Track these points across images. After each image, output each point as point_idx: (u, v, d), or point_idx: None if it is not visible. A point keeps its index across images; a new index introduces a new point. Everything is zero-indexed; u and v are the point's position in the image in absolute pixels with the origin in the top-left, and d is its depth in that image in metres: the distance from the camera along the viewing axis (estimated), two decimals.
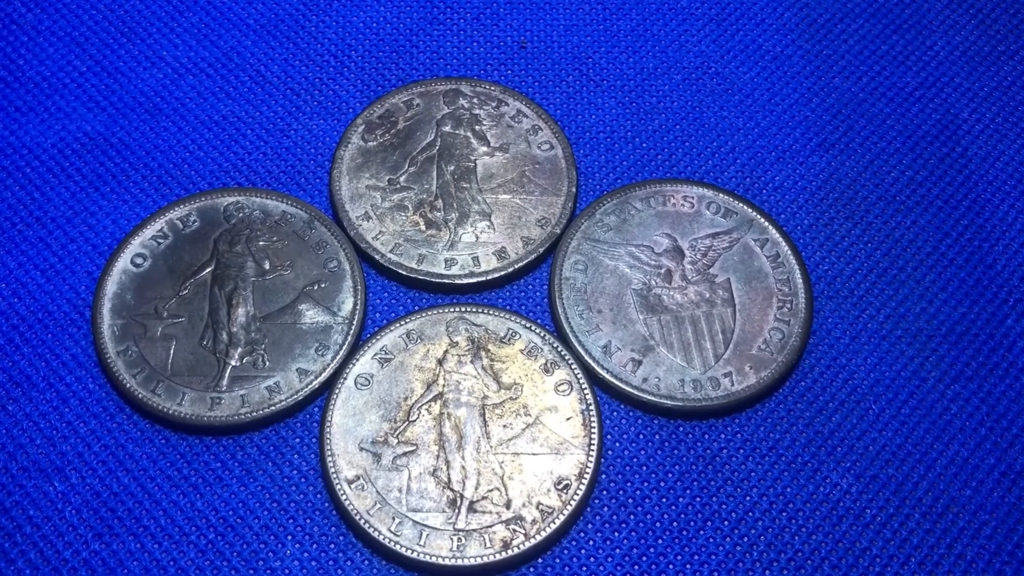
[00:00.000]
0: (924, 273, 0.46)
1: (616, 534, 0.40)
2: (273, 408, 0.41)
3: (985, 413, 0.43)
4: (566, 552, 0.40)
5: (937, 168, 0.48)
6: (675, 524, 0.40)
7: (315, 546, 0.39)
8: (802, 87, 0.50)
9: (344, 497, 0.39)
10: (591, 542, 0.40)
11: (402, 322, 0.43)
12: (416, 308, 0.44)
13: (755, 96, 0.50)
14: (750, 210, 0.46)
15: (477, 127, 0.48)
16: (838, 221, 0.47)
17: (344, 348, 0.42)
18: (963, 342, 0.44)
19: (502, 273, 0.44)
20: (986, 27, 0.52)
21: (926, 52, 0.51)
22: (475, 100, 0.48)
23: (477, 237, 0.45)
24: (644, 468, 0.41)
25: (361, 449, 0.40)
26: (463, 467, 0.40)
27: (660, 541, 0.40)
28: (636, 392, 0.42)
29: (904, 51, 0.51)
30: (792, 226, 0.47)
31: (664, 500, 0.41)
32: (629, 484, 0.41)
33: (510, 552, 0.39)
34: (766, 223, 0.46)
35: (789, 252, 0.45)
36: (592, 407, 0.41)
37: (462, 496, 0.40)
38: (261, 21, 0.51)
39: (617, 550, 0.40)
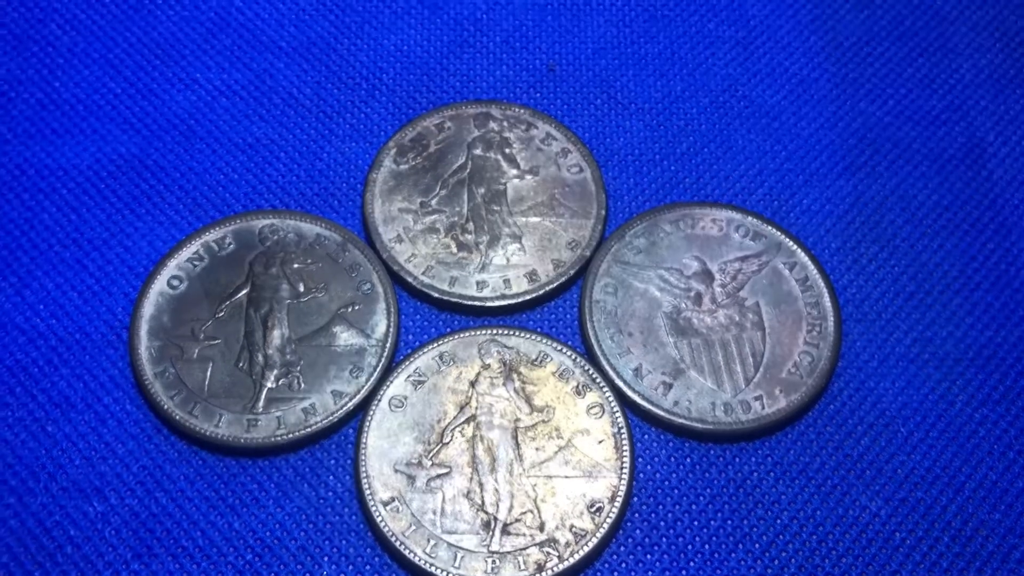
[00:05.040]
0: (951, 297, 0.46)
1: (648, 556, 0.40)
2: (309, 430, 0.42)
3: (1013, 436, 0.43)
4: (599, 574, 0.40)
5: (963, 192, 0.49)
6: (707, 547, 0.41)
7: (351, 567, 0.40)
8: (828, 110, 0.51)
9: (380, 519, 0.40)
10: (624, 564, 0.40)
11: (435, 344, 0.44)
12: (448, 330, 0.45)
13: (782, 119, 0.50)
14: (778, 233, 0.46)
15: (507, 150, 0.48)
16: (865, 244, 0.47)
17: (378, 370, 0.43)
18: (990, 366, 0.45)
19: (533, 295, 0.45)
20: (1012, 50, 0.53)
21: (952, 75, 0.52)
22: (505, 123, 0.49)
23: (508, 260, 0.46)
24: (676, 491, 0.42)
25: (396, 471, 0.41)
26: (496, 489, 0.41)
27: (692, 564, 0.40)
28: (667, 415, 0.42)
29: (930, 75, 0.52)
30: (820, 249, 0.47)
31: (696, 523, 0.41)
32: (661, 507, 0.41)
33: (544, 574, 0.39)
34: (794, 246, 0.46)
35: (817, 275, 0.45)
36: (624, 430, 0.42)
37: (496, 518, 0.40)
38: (293, 44, 0.52)
39: (649, 572, 0.40)
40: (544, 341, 0.44)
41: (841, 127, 0.50)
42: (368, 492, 0.40)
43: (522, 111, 0.49)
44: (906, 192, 0.49)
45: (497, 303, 0.45)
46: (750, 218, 0.47)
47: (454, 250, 0.46)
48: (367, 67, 0.51)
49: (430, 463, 0.41)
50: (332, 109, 0.50)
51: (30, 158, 0.48)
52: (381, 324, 0.44)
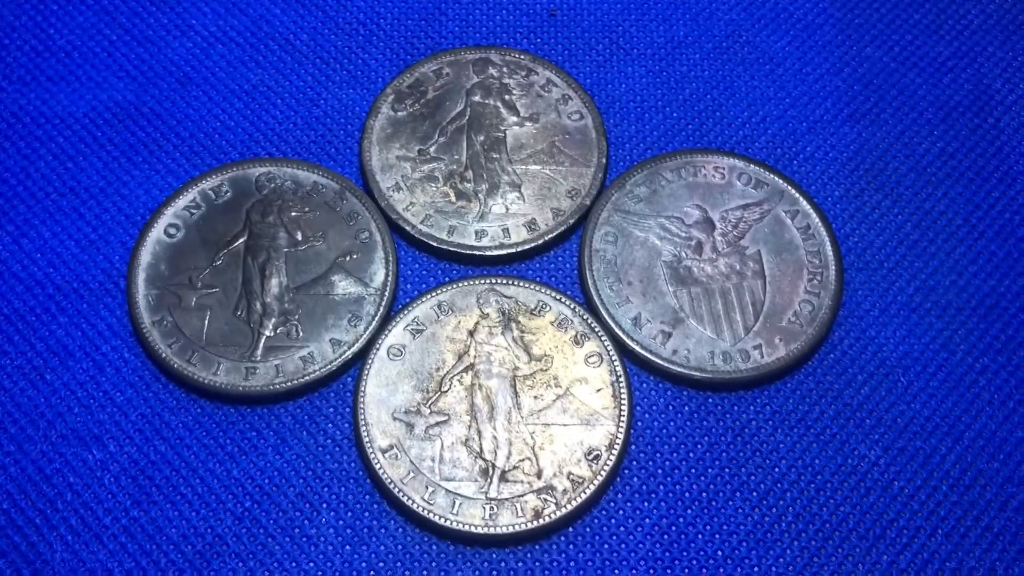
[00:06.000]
0: (954, 245, 0.46)
1: (645, 504, 0.41)
2: (307, 378, 0.42)
3: (1014, 386, 0.43)
4: (596, 521, 0.40)
5: (969, 139, 0.48)
6: (704, 495, 0.41)
7: (350, 514, 0.40)
8: (833, 56, 0.50)
9: (378, 466, 0.40)
10: (621, 512, 0.40)
11: (433, 293, 0.43)
12: (447, 279, 0.44)
13: (786, 65, 0.50)
14: (781, 181, 0.46)
15: (507, 96, 0.48)
16: (868, 192, 0.47)
17: (376, 319, 0.43)
18: (992, 315, 0.44)
19: (532, 245, 0.45)
20: None
21: (959, 21, 0.51)
22: (505, 69, 0.48)
23: (507, 208, 0.45)
24: (673, 439, 0.42)
25: (394, 419, 0.41)
26: (494, 437, 0.41)
27: (689, 511, 0.40)
28: (666, 364, 0.42)
29: (937, 20, 0.51)
30: (823, 197, 0.47)
31: (693, 471, 0.41)
32: (658, 455, 0.41)
33: (541, 521, 0.39)
34: (797, 194, 0.46)
35: (820, 224, 0.45)
36: (622, 379, 0.42)
37: (494, 466, 0.40)
38: None
39: (647, 520, 0.40)
40: (543, 290, 0.43)
41: (846, 73, 0.50)
42: (367, 439, 0.40)
43: (522, 57, 0.49)
44: (911, 140, 0.48)
45: (496, 252, 0.45)
46: (752, 166, 0.46)
47: (453, 199, 0.46)
48: (364, 12, 0.51)
49: (429, 411, 0.41)
50: (329, 55, 0.49)
51: (25, 106, 0.48)
52: (379, 273, 0.44)
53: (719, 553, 0.40)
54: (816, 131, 0.48)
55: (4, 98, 0.48)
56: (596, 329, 0.43)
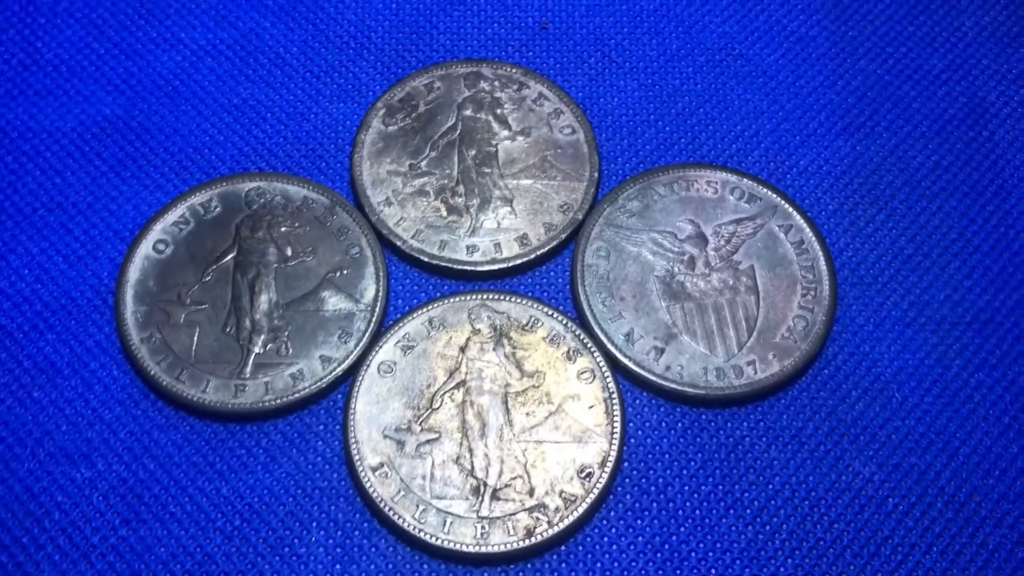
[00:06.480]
0: (949, 260, 0.45)
1: (638, 522, 0.40)
2: (297, 395, 0.41)
3: (1009, 402, 0.43)
4: (589, 540, 0.40)
5: (963, 153, 0.48)
6: (697, 512, 0.40)
7: (340, 533, 0.40)
8: (827, 69, 0.50)
9: (368, 484, 0.40)
10: (613, 530, 0.40)
11: (424, 309, 0.43)
12: (438, 295, 0.44)
13: (779, 78, 0.49)
14: (774, 195, 0.46)
15: (498, 111, 0.47)
16: (863, 206, 0.47)
17: (367, 335, 0.42)
18: (987, 330, 0.44)
19: (524, 260, 0.44)
20: (1015, 7, 0.52)
21: (954, 33, 0.51)
22: (496, 83, 0.48)
23: (499, 223, 0.45)
24: (666, 456, 0.41)
25: (385, 436, 0.41)
26: (486, 455, 0.40)
27: (682, 529, 0.40)
28: (659, 380, 0.42)
29: (931, 32, 0.51)
30: (816, 211, 0.46)
31: (686, 488, 0.41)
32: (652, 472, 0.41)
33: (533, 540, 0.39)
34: (790, 209, 0.45)
35: (813, 238, 0.45)
36: (615, 395, 0.41)
37: (485, 484, 0.40)
38: (280, 2, 0.51)
39: (640, 538, 0.40)
40: (535, 306, 0.43)
41: (840, 86, 0.49)
42: (357, 457, 0.40)
43: (514, 70, 0.48)
44: (905, 153, 0.48)
45: (487, 267, 0.44)
46: (746, 180, 0.46)
47: (444, 213, 0.45)
48: (355, 25, 0.50)
49: (419, 428, 0.41)
50: (319, 69, 0.49)
51: (13, 120, 0.47)
52: (370, 289, 0.43)
53: (713, 571, 0.39)
54: (810, 145, 0.48)
55: None
56: (588, 345, 0.42)
